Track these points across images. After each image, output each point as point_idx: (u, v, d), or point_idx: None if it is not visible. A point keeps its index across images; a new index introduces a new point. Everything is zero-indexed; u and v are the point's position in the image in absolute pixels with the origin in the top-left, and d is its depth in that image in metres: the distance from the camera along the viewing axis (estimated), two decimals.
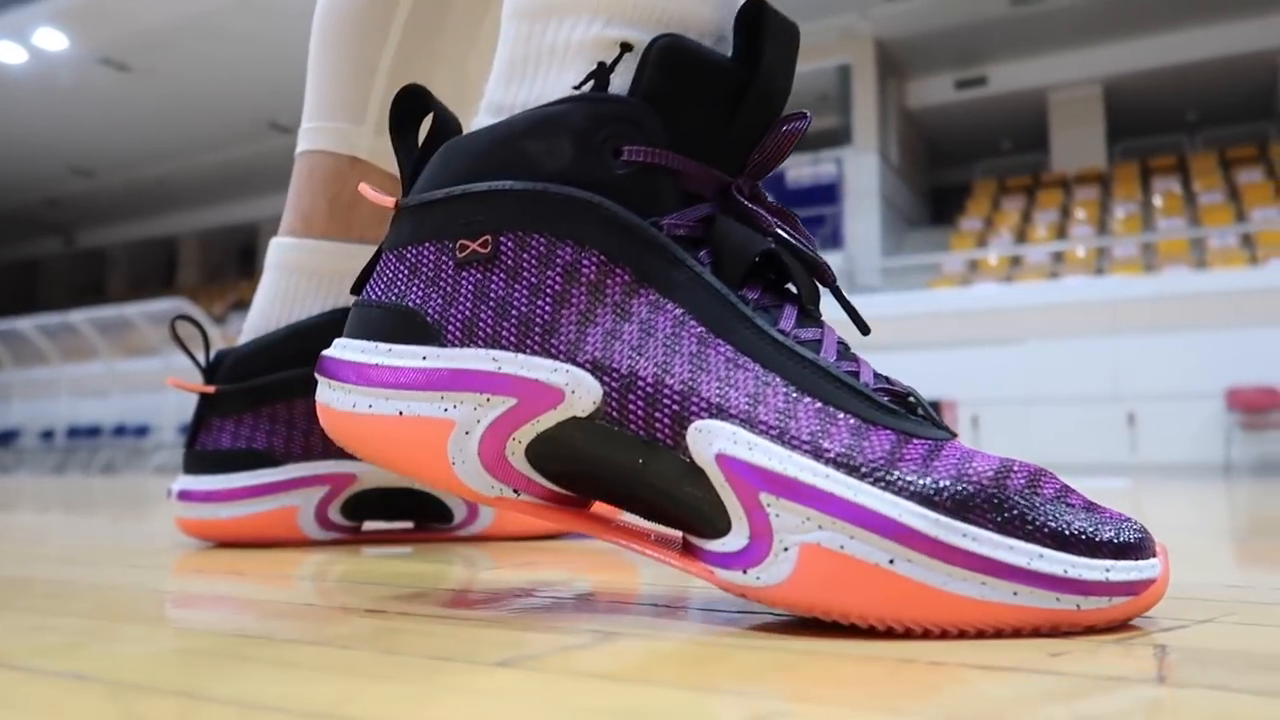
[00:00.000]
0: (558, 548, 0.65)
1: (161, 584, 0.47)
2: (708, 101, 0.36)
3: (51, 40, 9.90)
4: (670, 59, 0.35)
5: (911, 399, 0.34)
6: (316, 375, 0.39)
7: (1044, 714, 0.21)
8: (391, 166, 0.66)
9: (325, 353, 0.39)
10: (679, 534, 0.36)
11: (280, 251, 0.70)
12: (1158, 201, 9.87)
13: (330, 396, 0.38)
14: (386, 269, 0.38)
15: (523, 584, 0.45)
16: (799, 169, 10.76)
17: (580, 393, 0.34)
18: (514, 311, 0.35)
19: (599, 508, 0.40)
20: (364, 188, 0.40)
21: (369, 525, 0.70)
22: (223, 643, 0.30)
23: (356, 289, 0.40)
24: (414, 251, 0.37)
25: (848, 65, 10.66)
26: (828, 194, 10.54)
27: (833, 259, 9.73)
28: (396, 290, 0.37)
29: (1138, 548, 0.32)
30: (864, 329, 0.39)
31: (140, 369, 10.16)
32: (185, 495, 0.66)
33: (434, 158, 0.38)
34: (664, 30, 0.36)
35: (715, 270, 0.35)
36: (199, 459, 0.66)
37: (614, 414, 0.34)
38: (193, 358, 0.69)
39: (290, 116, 12.35)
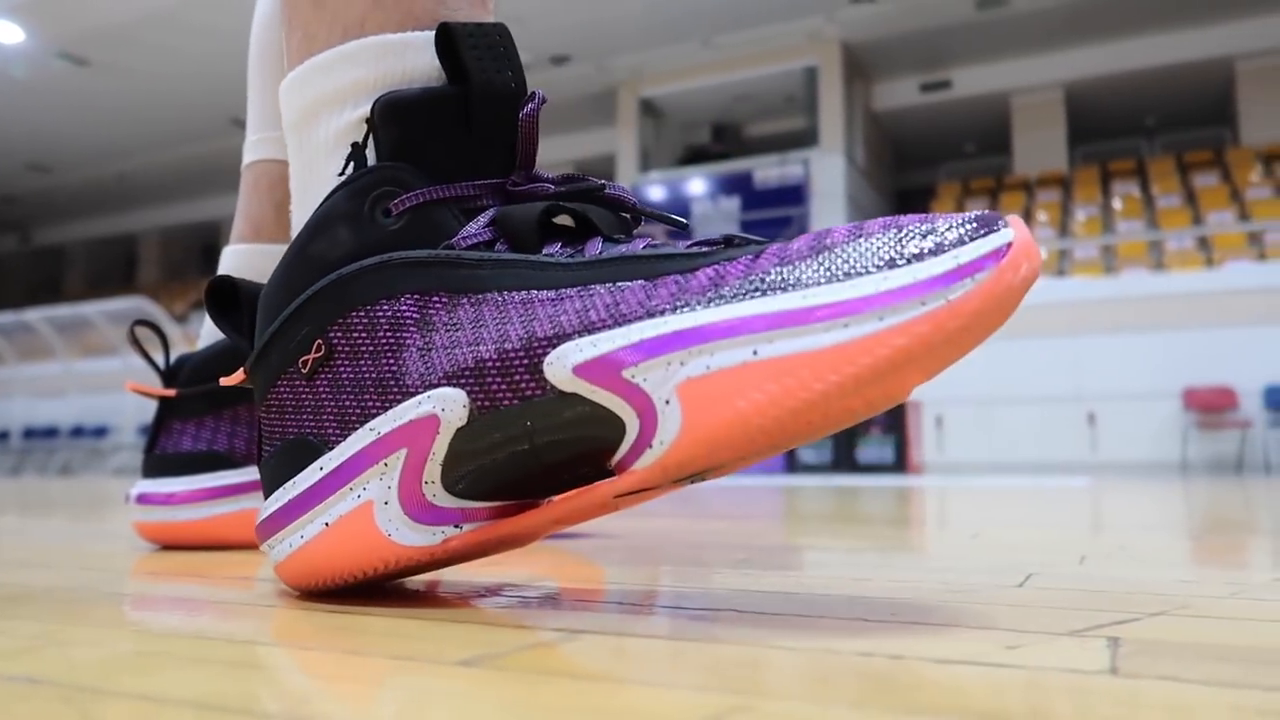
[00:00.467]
0: (529, 548, 0.65)
1: (119, 586, 0.46)
2: (442, 130, 0.38)
3: (7, 33, 9.70)
4: (390, 114, 0.38)
5: (736, 240, 0.36)
6: (259, 540, 0.41)
7: (999, 705, 0.22)
8: None
9: (256, 523, 0.41)
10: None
11: (233, 258, 0.72)
12: (1117, 204, 10.03)
13: (275, 554, 0.40)
14: (264, 426, 0.41)
15: (489, 583, 0.45)
16: (766, 170, 10.82)
17: (449, 407, 0.36)
18: (368, 382, 0.37)
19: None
20: (223, 380, 0.42)
21: None
22: (181, 645, 0.30)
23: (256, 461, 0.42)
24: (274, 395, 0.40)
25: (814, 67, 10.74)
26: (794, 195, 10.60)
27: None
28: (277, 434, 0.40)
29: (981, 224, 0.32)
30: (681, 226, 0.40)
31: (99, 369, 9.99)
32: (144, 499, 0.65)
33: (255, 315, 0.42)
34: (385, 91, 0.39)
35: (515, 247, 0.37)
36: (158, 462, 0.66)
37: (484, 403, 0.35)
38: (151, 363, 0.69)
39: None
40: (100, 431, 9.67)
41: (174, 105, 11.94)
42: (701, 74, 10.85)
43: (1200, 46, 10.39)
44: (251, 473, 0.65)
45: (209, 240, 16.56)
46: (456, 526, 0.37)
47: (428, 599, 0.40)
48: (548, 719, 0.21)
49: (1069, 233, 9.74)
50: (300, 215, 0.42)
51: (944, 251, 0.32)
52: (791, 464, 5.84)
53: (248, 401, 0.66)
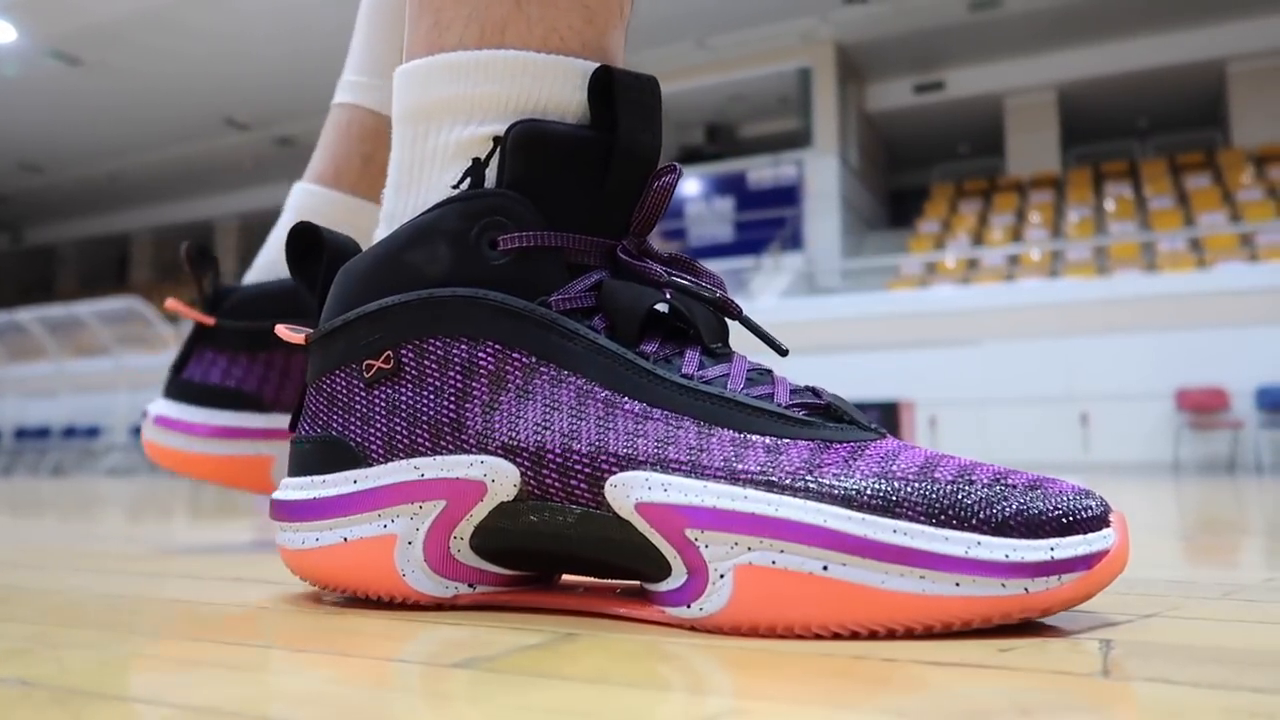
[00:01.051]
0: None
1: (111, 588, 0.46)
2: (574, 174, 0.37)
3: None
4: (527, 143, 0.36)
5: (833, 406, 0.35)
6: (272, 520, 0.40)
7: (989, 707, 0.22)
8: None
9: (273, 497, 0.40)
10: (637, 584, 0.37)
11: (306, 197, 0.68)
12: (1110, 206, 10.06)
13: (285, 538, 0.39)
14: (310, 404, 0.40)
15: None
16: (760, 171, 10.83)
17: (499, 480, 0.35)
18: (424, 417, 0.36)
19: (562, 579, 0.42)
20: (280, 328, 0.41)
21: None
22: (174, 648, 0.30)
23: (292, 427, 0.41)
24: (329, 380, 0.39)
25: (808, 69, 10.75)
26: (788, 196, 10.61)
27: (793, 260, 9.81)
28: (321, 422, 0.39)
29: (1085, 522, 0.32)
30: (781, 351, 0.38)
31: (91, 369, 9.95)
32: (162, 421, 0.63)
33: (332, 286, 0.40)
34: (521, 118, 0.37)
35: (610, 333, 0.36)
36: (183, 387, 0.64)
37: (535, 490, 0.35)
38: (199, 284, 0.66)
39: (246, 112, 12.09)
40: (92, 432, 9.64)
41: (167, 105, 11.91)
42: (695, 74, 10.86)
43: (1192, 48, 10.43)
44: (277, 420, 0.64)
45: (202, 240, 16.51)
46: (470, 586, 0.37)
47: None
48: None
49: (1061, 234, 9.76)
50: (399, 207, 0.39)
51: (1040, 533, 0.31)
52: None
53: (287, 349, 0.64)
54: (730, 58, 10.53)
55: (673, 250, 0.40)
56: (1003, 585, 0.30)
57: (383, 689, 0.24)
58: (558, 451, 0.34)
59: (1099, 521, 0.32)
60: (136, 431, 10.17)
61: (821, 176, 10.50)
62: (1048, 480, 0.33)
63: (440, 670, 0.26)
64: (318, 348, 0.39)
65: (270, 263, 0.67)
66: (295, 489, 0.39)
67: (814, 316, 7.65)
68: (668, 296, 0.36)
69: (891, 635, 0.31)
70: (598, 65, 0.37)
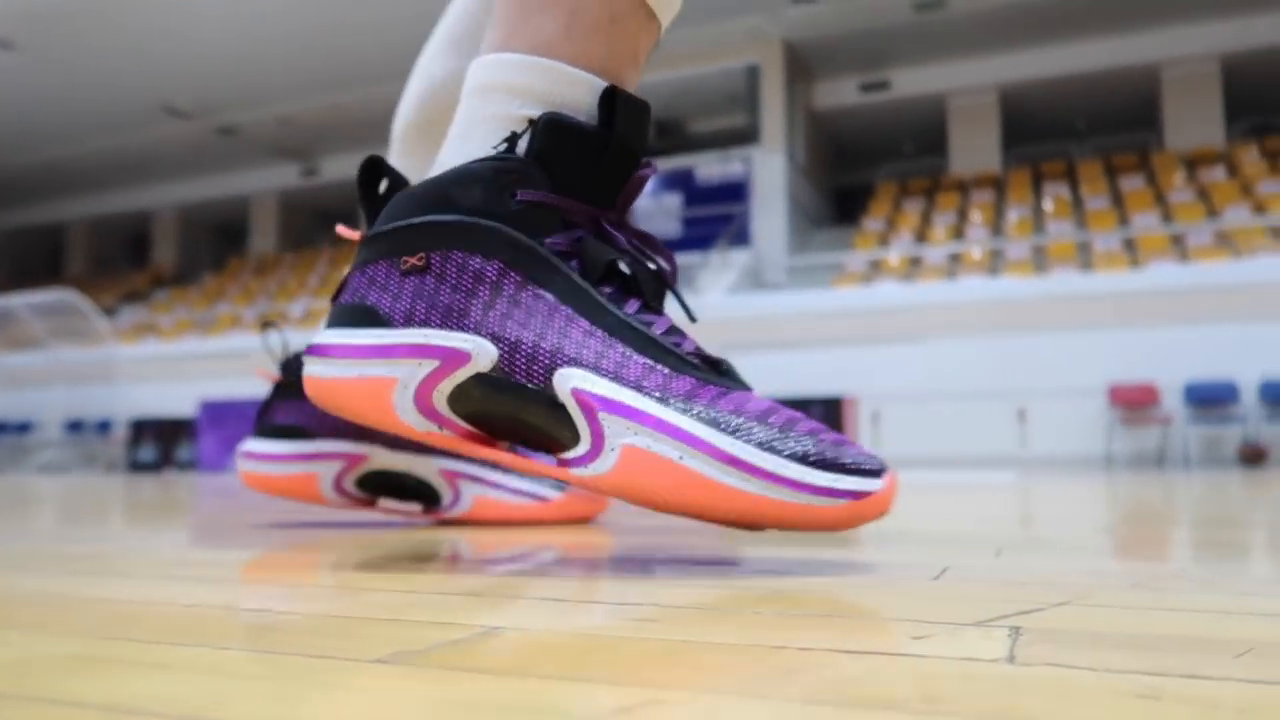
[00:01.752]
0: (450, 540, 0.65)
1: (40, 587, 0.45)
2: (580, 157, 0.51)
3: None
4: (551, 129, 0.50)
5: (722, 365, 0.50)
6: (306, 355, 0.52)
7: (898, 696, 0.22)
8: None
9: (313, 340, 0.52)
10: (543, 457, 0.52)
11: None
12: (1048, 206, 10.30)
13: (315, 369, 0.52)
14: (353, 282, 0.52)
15: (410, 580, 0.45)
16: (708, 167, 10.87)
17: (482, 354, 0.49)
18: (439, 302, 0.50)
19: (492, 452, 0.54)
20: (341, 228, 0.55)
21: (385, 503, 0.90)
22: (93, 646, 0.30)
23: (335, 298, 0.53)
24: (372, 268, 0.51)
25: (756, 66, 10.82)
26: (736, 192, 10.68)
27: (740, 256, 9.87)
28: (360, 294, 0.51)
29: (866, 471, 0.47)
30: (691, 318, 0.55)
31: (23, 363, 9.66)
32: (248, 455, 0.86)
33: (390, 204, 0.52)
34: (553, 110, 0.51)
35: (582, 273, 0.50)
36: (264, 429, 0.87)
37: (505, 368, 0.49)
38: (274, 358, 0.92)
39: (187, 100, 11.78)
40: (24, 427, 9.35)
41: (104, 91, 11.58)
42: (645, 69, 10.84)
43: (1128, 53, 10.71)
44: (319, 444, 0.85)
45: (139, 230, 16.10)
46: (440, 428, 0.51)
47: (348, 597, 0.40)
48: (461, 715, 0.21)
49: (1002, 233, 9.96)
50: (452, 151, 0.53)
51: (830, 470, 0.46)
52: None
53: None
54: (679, 53, 10.56)
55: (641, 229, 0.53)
56: (795, 494, 0.46)
57: (307, 685, 0.24)
58: (529, 345, 0.49)
59: (875, 475, 0.47)
60: (71, 427, 9.90)
61: (769, 173, 10.59)
62: (850, 442, 0.48)
63: (364, 665, 0.26)
64: (369, 244, 0.52)
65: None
66: (332, 336, 0.51)
67: (760, 313, 7.71)
68: (616, 258, 0.50)
69: (712, 520, 0.47)
70: (608, 84, 0.51)
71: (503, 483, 0.86)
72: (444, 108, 0.86)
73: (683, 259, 9.82)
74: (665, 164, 11.08)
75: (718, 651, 0.28)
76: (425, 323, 0.49)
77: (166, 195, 15.21)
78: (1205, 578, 0.45)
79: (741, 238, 10.35)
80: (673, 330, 0.50)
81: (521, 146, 0.51)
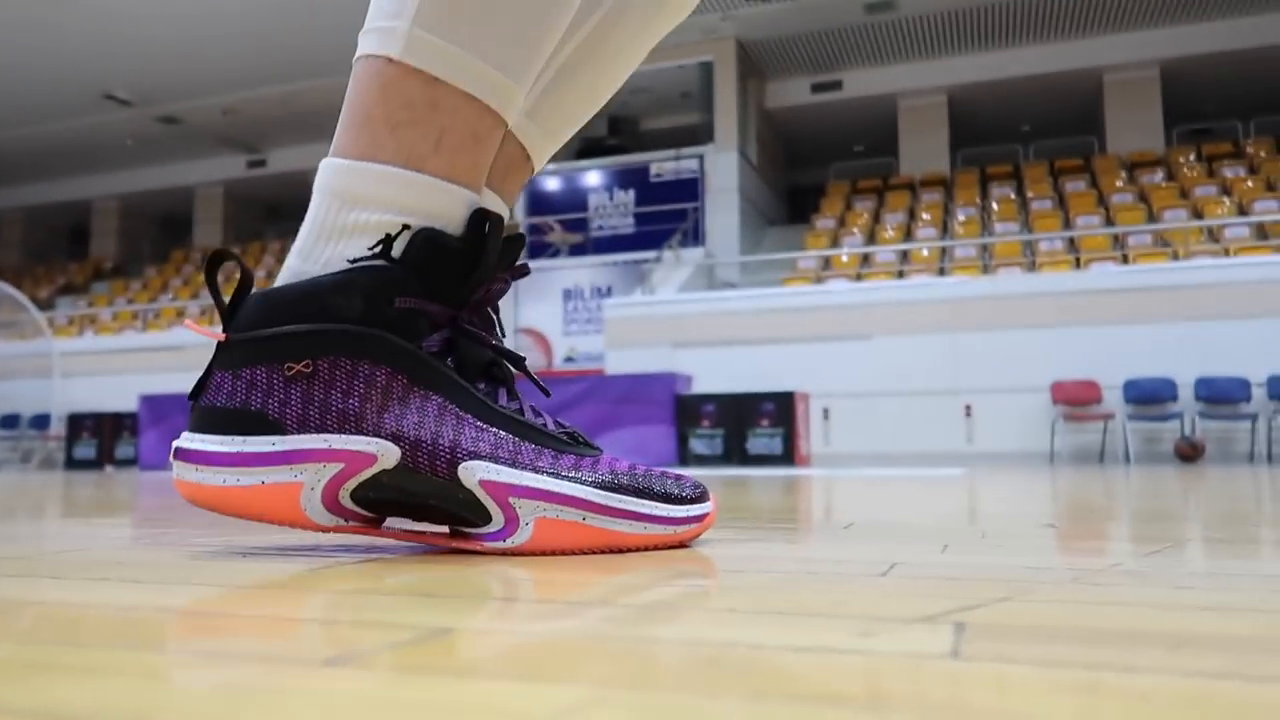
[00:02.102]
0: (393, 540, 0.64)
1: None
2: (449, 268, 0.56)
3: None
4: (428, 243, 0.55)
5: (578, 435, 0.59)
6: (176, 462, 0.54)
7: (842, 689, 0.23)
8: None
9: (181, 445, 0.54)
10: (446, 529, 0.59)
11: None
12: (994, 206, 10.48)
13: (200, 477, 0.54)
14: (223, 384, 0.54)
15: (356, 580, 0.45)
16: (662, 164, 10.88)
17: (386, 454, 0.54)
18: (333, 408, 0.53)
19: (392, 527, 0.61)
20: (188, 323, 0.58)
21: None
22: (27, 651, 0.29)
23: (194, 396, 0.55)
24: (249, 371, 0.54)
25: (710, 63, 10.85)
26: (689, 190, 10.71)
27: (693, 254, 9.90)
28: (239, 398, 0.54)
29: (700, 497, 0.60)
30: (545, 393, 0.61)
31: None
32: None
33: (255, 304, 0.55)
34: (427, 220, 0.55)
35: (459, 371, 0.56)
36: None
37: (409, 464, 0.54)
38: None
39: (128, 88, 11.50)
40: None
41: (43, 78, 11.25)
42: None
43: (1072, 58, 10.95)
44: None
45: (77, 221, 15.67)
46: (345, 519, 0.56)
47: (293, 598, 0.40)
48: (409, 716, 0.21)
49: (950, 233, 10.12)
50: (312, 252, 0.55)
51: (684, 503, 0.59)
52: (684, 456, 5.91)
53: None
54: None
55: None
56: (663, 528, 0.57)
57: (251, 688, 0.24)
58: (429, 442, 0.54)
59: (705, 497, 0.60)
60: (4, 422, 9.61)
61: (722, 171, 10.63)
62: (681, 475, 0.60)
63: (312, 668, 0.26)
64: (240, 346, 0.54)
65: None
66: (214, 443, 0.54)
67: (713, 310, 7.74)
68: (490, 356, 0.58)
69: (605, 552, 0.56)
70: (479, 208, 0.56)
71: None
72: None
73: (636, 256, 9.82)
74: (619, 161, 11.07)
75: (665, 650, 0.28)
76: (322, 428, 0.53)
77: (107, 185, 14.82)
78: (1142, 572, 0.46)
79: (695, 235, 10.38)
80: (536, 412, 0.59)
81: (397, 249, 0.54)
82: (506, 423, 0.56)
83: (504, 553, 0.55)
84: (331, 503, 0.54)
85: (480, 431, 0.55)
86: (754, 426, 5.83)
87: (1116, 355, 6.75)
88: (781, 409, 5.83)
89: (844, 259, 9.63)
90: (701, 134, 10.97)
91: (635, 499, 0.56)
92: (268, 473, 0.52)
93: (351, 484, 0.53)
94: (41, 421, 9.54)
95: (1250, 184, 9.74)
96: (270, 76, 11.59)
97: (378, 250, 0.54)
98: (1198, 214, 9.27)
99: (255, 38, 10.54)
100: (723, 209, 10.55)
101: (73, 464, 7.56)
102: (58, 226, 16.12)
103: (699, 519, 0.59)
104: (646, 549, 0.57)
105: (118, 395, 8.84)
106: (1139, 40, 10.74)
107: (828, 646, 0.28)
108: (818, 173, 13.16)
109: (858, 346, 7.25)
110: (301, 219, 0.57)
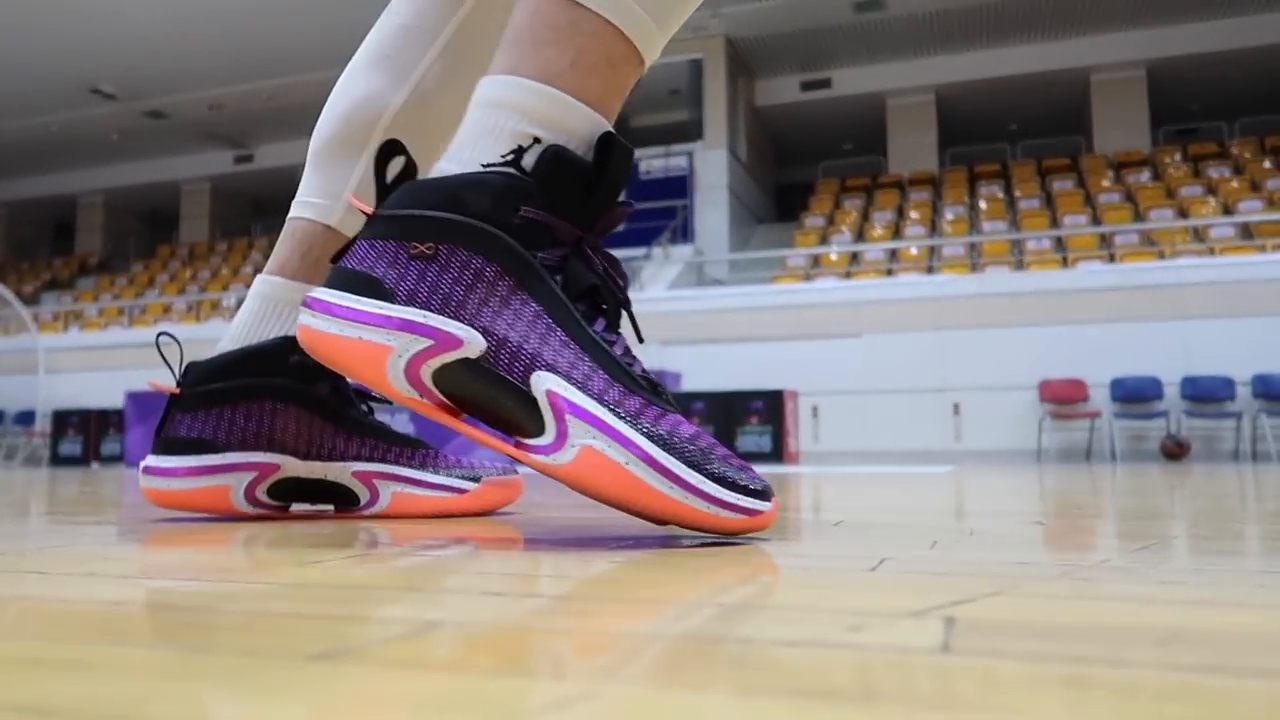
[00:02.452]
0: (383, 533, 0.64)
1: None
2: (574, 186, 0.59)
3: None
4: (556, 158, 0.59)
5: (660, 389, 0.60)
6: (303, 308, 0.60)
7: (832, 684, 0.23)
8: (348, 234, 0.90)
9: (312, 294, 0.60)
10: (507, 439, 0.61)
11: (261, 286, 0.90)
12: (982, 205, 10.52)
13: (315, 322, 0.60)
14: (359, 250, 0.60)
15: (343, 574, 0.45)
16: (651, 162, 10.88)
17: (472, 344, 0.58)
18: (440, 289, 0.58)
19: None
20: (349, 196, 0.67)
21: (297, 507, 0.91)
22: (14, 647, 0.29)
23: (335, 259, 0.61)
24: (381, 243, 0.59)
25: (699, 60, 10.85)
26: (679, 187, 10.71)
27: (682, 251, 9.91)
28: (367, 264, 0.60)
29: (760, 493, 0.58)
30: (640, 338, 0.66)
31: None
32: (151, 471, 0.84)
33: (403, 189, 0.60)
34: (557, 135, 0.59)
35: (564, 289, 0.60)
36: (167, 444, 0.84)
37: (490, 360, 0.58)
38: (170, 367, 0.90)
39: (114, 82, 11.44)
40: None
41: (28, 71, 11.16)
42: None
43: (1060, 58, 10.99)
44: (229, 456, 0.84)
45: (62, 216, 15.56)
46: (421, 397, 0.60)
47: (279, 593, 0.39)
48: (399, 712, 0.21)
49: (938, 231, 10.15)
50: (461, 152, 0.61)
51: (737, 490, 0.57)
52: None
53: (233, 405, 0.84)
54: None
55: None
56: (707, 506, 0.56)
57: (238, 684, 0.24)
58: (513, 343, 0.58)
59: (766, 496, 0.59)
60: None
61: (711, 169, 10.64)
62: (751, 469, 0.59)
63: (298, 663, 0.26)
64: (381, 220, 0.60)
65: (233, 337, 0.88)
66: (335, 296, 0.60)
67: (702, 307, 7.75)
68: (597, 283, 0.60)
69: (634, 512, 0.57)
70: (606, 130, 0.60)
71: (421, 479, 0.87)
72: (364, 124, 0.90)
73: (626, 253, 9.81)
74: None
75: (654, 644, 0.28)
76: (426, 305, 0.58)
77: (92, 180, 14.72)
78: (1128, 568, 0.47)
79: (684, 233, 10.39)
80: (627, 352, 0.60)
81: (528, 161, 0.59)
82: (592, 347, 0.58)
83: (545, 470, 0.57)
84: (414, 376, 0.59)
85: (563, 347, 0.58)
86: (743, 424, 5.84)
87: (1103, 354, 6.79)
88: (770, 407, 5.84)
89: (833, 257, 9.64)
90: (691, 131, 10.97)
91: (684, 465, 0.56)
92: (366, 330, 0.58)
93: (435, 363, 0.58)
94: (26, 418, 9.47)
95: (1235, 184, 9.80)
96: (257, 72, 11.53)
97: (509, 159, 0.59)
98: (1184, 213, 9.33)
99: (242, 33, 10.48)
100: (712, 206, 10.56)
101: (58, 461, 7.51)
102: (43, 221, 16.00)
103: (748, 513, 0.57)
104: (683, 524, 0.57)
105: (103, 391, 8.79)
106: (1126, 41, 10.79)
107: (817, 641, 0.28)
108: (807, 171, 13.18)
109: (846, 344, 7.27)
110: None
